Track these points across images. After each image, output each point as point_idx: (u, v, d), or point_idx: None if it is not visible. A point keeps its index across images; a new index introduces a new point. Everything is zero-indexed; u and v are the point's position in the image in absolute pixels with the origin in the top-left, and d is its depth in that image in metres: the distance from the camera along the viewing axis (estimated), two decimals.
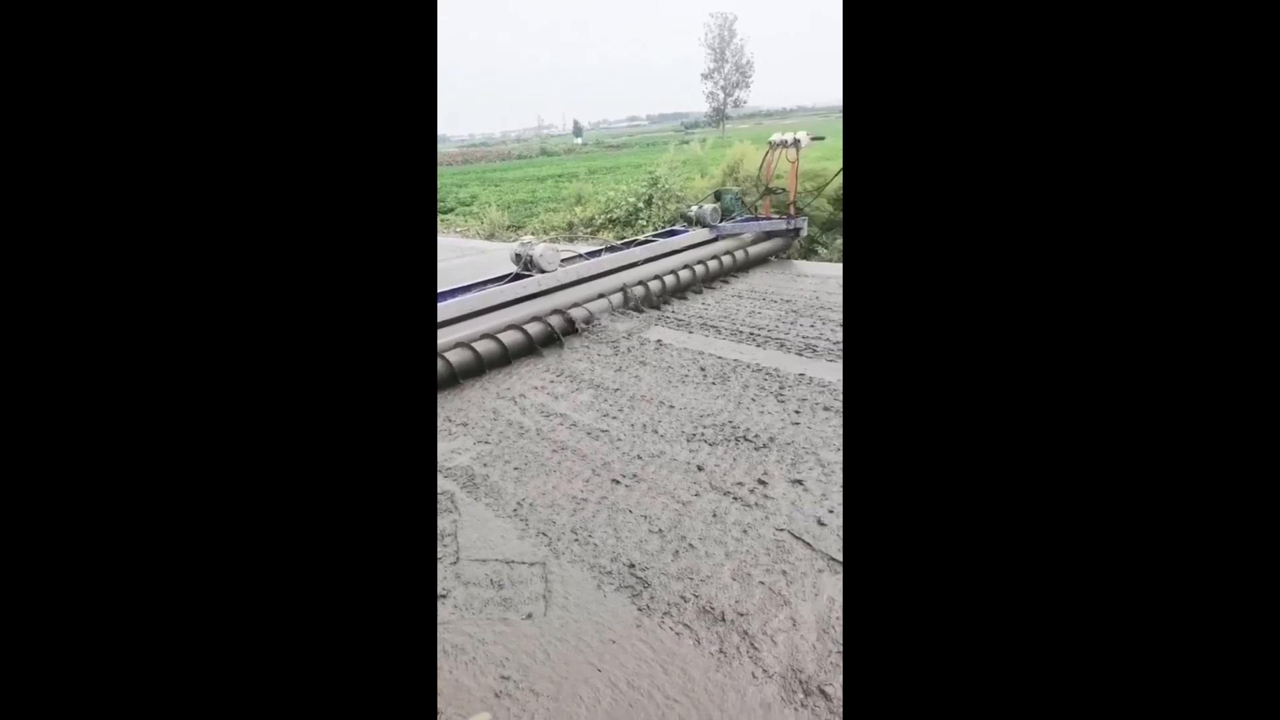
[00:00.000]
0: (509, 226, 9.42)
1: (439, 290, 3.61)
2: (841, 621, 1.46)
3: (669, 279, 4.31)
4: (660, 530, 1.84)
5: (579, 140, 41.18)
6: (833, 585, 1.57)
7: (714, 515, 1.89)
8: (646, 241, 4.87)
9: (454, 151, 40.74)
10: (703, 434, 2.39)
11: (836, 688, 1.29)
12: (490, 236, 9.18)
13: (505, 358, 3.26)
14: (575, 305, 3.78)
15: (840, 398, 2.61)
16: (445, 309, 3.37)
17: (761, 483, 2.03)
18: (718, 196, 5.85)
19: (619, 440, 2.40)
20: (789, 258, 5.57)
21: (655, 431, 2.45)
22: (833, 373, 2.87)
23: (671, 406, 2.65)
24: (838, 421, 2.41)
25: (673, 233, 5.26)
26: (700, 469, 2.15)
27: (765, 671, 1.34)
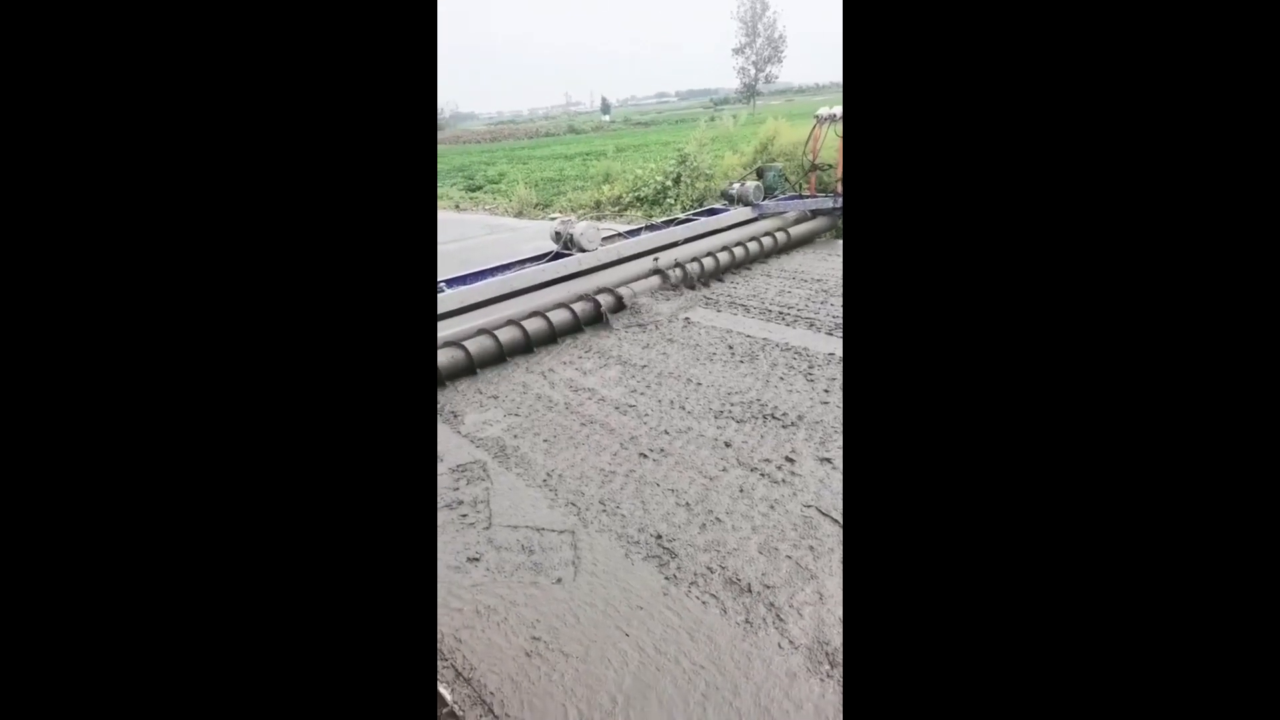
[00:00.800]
0: (537, 204, 9.43)
1: (481, 269, 3.65)
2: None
3: (707, 261, 4.21)
4: (687, 503, 1.86)
5: (607, 117, 40.77)
6: None
7: (741, 490, 1.90)
8: (687, 220, 4.76)
9: (482, 129, 40.75)
10: (730, 411, 2.39)
11: None
12: (519, 214, 9.21)
13: (552, 336, 3.27)
14: (617, 285, 3.73)
15: None
16: (489, 287, 3.40)
17: (789, 460, 2.03)
18: (760, 174, 5.63)
19: (646, 415, 2.42)
20: (834, 237, 5.42)
21: (683, 408, 2.46)
22: None
23: (699, 384, 2.66)
24: None
25: (713, 211, 5.10)
26: (728, 445, 2.15)
27: (791, 642, 1.36)
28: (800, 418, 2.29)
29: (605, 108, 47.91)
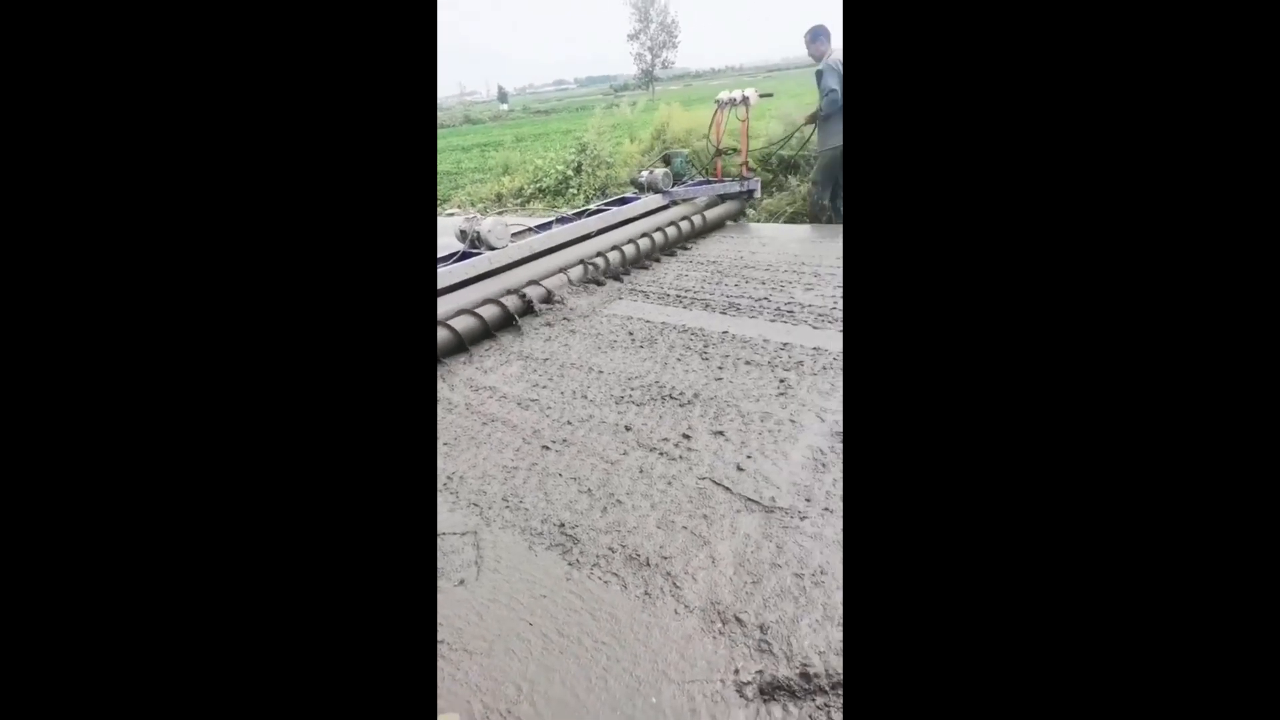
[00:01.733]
0: None
1: None
2: (758, 555, 1.58)
3: (628, 249, 4.10)
4: (589, 490, 1.90)
5: (504, 106, 39.51)
6: (749, 523, 1.69)
7: (641, 471, 1.96)
8: (599, 211, 4.67)
9: None
10: (630, 395, 2.45)
11: (751, 614, 1.40)
12: None
13: (461, 345, 3.06)
14: (531, 283, 3.53)
15: (758, 352, 2.72)
16: None
17: (686, 436, 2.12)
18: (666, 160, 5.63)
19: (549, 408, 2.43)
20: (743, 220, 5.51)
21: (585, 397, 2.49)
22: (752, 328, 2.99)
23: (601, 372, 2.70)
24: (757, 374, 2.53)
25: (624, 200, 5.05)
26: (628, 429, 2.22)
27: (686, 607, 1.44)
28: (696, 395, 2.40)
29: (503, 96, 46.40)
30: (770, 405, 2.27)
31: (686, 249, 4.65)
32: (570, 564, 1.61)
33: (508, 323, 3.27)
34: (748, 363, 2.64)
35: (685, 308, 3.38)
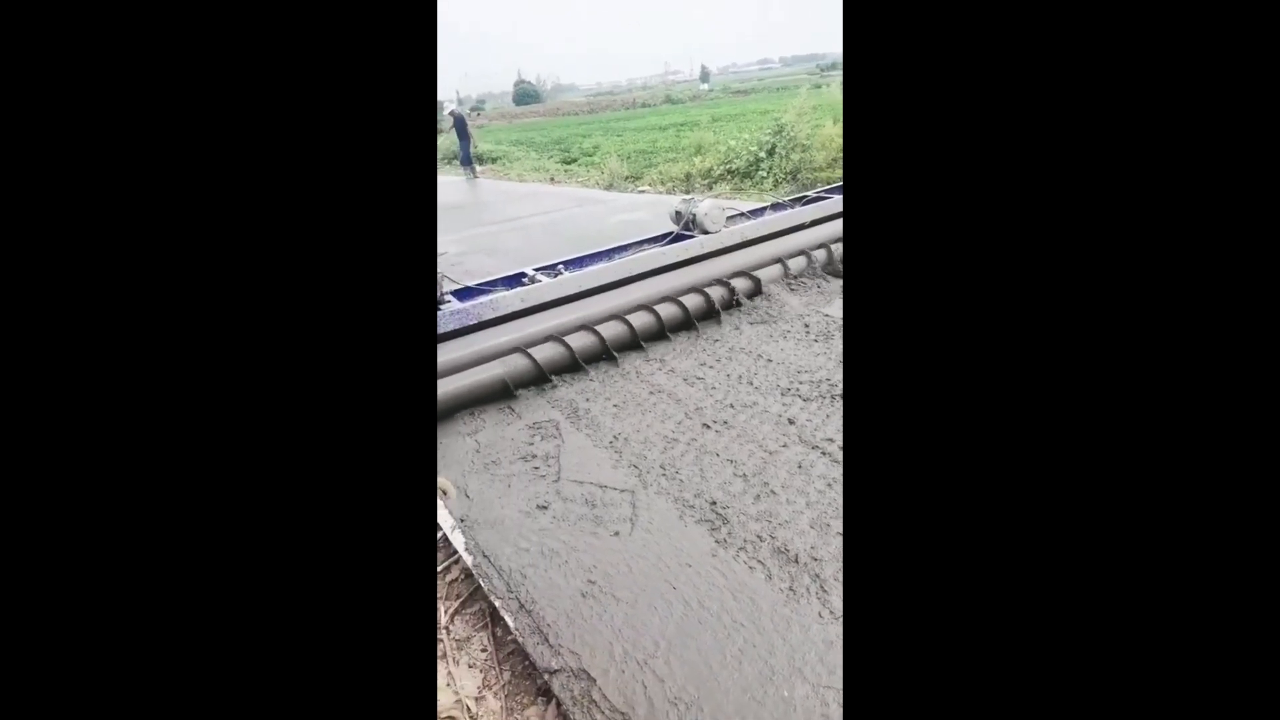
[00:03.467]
0: (627, 177, 9.52)
1: (596, 251, 3.47)
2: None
3: (836, 247, 3.66)
4: (745, 475, 1.91)
5: (705, 86, 39.76)
6: None
7: (799, 466, 1.92)
8: (817, 199, 4.28)
9: (581, 101, 41.25)
10: (798, 389, 2.39)
11: None
12: (609, 186, 9.35)
13: (689, 322, 2.95)
14: (741, 273, 3.30)
15: None
16: (607, 271, 3.13)
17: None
18: None
19: (713, 388, 2.47)
20: None
21: (750, 383, 2.48)
22: None
23: (770, 360, 2.66)
24: None
25: (841, 189, 4.61)
26: (791, 422, 2.16)
27: (832, 613, 1.40)
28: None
29: (704, 76, 46.69)
30: None
31: None
32: (718, 541, 1.65)
33: (711, 314, 3.08)
34: None
35: None
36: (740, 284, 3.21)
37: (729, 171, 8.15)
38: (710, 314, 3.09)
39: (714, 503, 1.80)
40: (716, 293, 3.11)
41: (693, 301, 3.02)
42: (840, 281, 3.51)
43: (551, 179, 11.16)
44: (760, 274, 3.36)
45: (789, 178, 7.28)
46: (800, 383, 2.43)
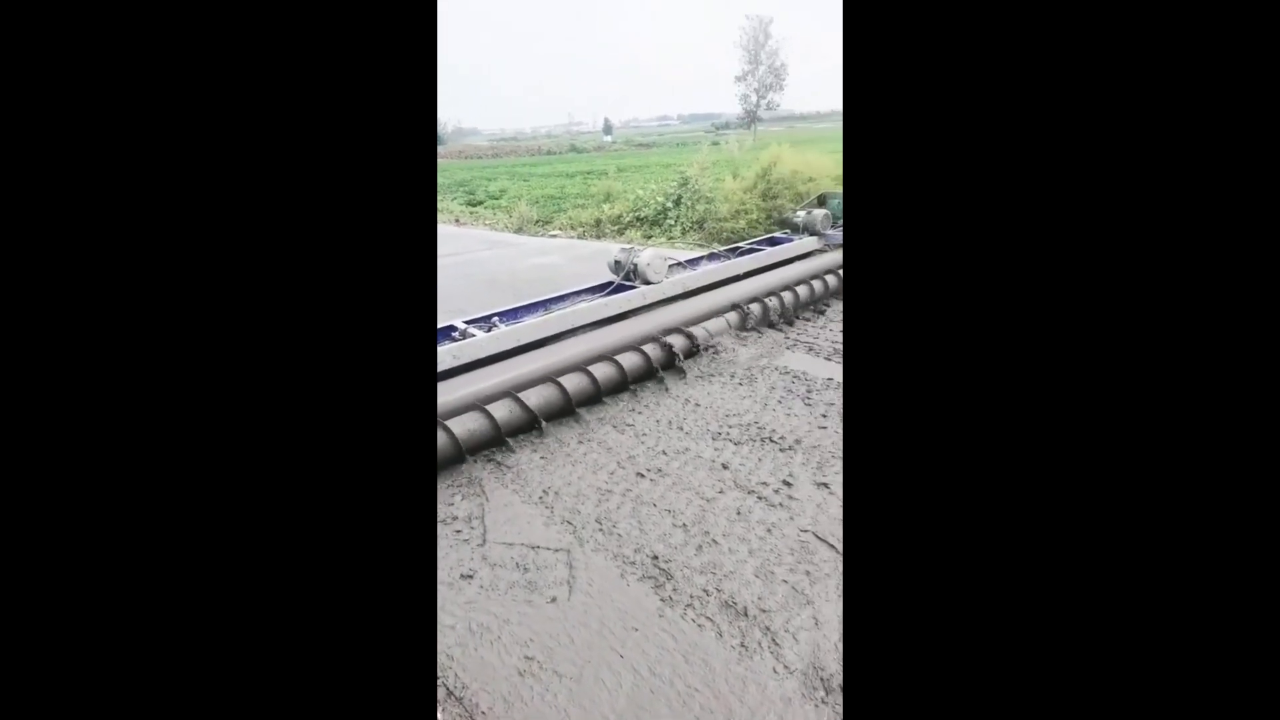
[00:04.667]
0: (537, 221, 9.51)
1: (532, 301, 3.28)
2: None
3: (786, 296, 3.76)
4: (684, 525, 1.86)
5: (609, 138, 41.30)
6: None
7: (738, 513, 1.90)
8: (750, 251, 4.36)
9: (485, 145, 41.22)
10: (728, 433, 2.40)
11: None
12: (518, 230, 9.28)
13: (624, 383, 2.79)
14: (686, 324, 3.24)
15: None
16: (546, 324, 2.94)
17: (786, 484, 2.04)
18: (822, 201, 5.13)
19: (644, 435, 2.42)
20: None
21: (680, 429, 2.46)
22: None
23: (697, 405, 2.67)
24: None
25: (774, 240, 4.72)
26: (725, 467, 2.16)
27: (786, 667, 1.35)
28: (798, 441, 2.30)
29: (607, 128, 48.55)
30: None
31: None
32: (663, 599, 1.57)
33: (669, 365, 2.97)
34: None
35: (789, 349, 3.30)
36: (679, 342, 3.07)
37: (638, 219, 8.40)
38: (649, 374, 2.92)
39: (655, 557, 1.72)
40: (655, 353, 2.95)
41: (630, 362, 2.83)
42: (784, 332, 3.60)
43: (457, 220, 10.90)
44: (708, 325, 3.30)
45: (695, 226, 7.61)
46: (729, 426, 2.45)
